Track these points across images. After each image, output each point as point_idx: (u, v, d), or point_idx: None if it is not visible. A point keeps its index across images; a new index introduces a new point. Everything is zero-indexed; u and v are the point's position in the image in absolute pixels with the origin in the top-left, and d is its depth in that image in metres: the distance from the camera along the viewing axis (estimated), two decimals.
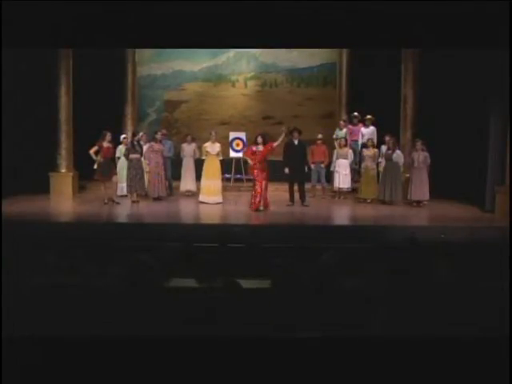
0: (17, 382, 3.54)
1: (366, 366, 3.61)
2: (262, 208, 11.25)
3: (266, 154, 11.26)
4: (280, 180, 12.47)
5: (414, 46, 11.97)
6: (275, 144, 11.34)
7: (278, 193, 12.41)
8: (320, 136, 13.10)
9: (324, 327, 3.78)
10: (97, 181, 12.21)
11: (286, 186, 12.31)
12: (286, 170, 11.99)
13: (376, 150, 12.64)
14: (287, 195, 12.12)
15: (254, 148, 11.35)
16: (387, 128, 12.72)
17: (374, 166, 12.52)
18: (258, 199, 11.21)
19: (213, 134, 12.51)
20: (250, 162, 11.52)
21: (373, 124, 13.52)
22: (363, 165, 12.65)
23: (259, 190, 11.21)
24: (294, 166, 11.92)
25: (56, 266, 5.08)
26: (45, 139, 12.86)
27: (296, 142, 12.06)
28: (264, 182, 11.26)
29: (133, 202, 12.09)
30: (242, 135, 14.45)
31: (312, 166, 12.85)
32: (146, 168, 12.40)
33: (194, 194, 12.87)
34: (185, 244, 6.60)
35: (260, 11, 6.81)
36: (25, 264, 4.96)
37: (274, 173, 11.70)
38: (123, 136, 12.82)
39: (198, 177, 12.56)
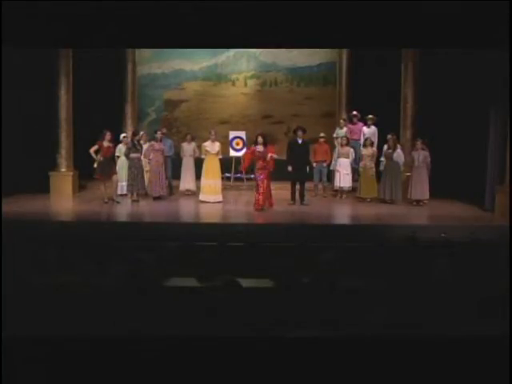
0: (17, 381, 3.55)
1: (365, 365, 3.61)
2: (265, 208, 11.26)
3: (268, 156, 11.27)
4: (281, 179, 12.46)
5: (414, 46, 11.97)
6: (273, 156, 11.33)
7: (278, 192, 12.40)
8: (322, 135, 13.09)
9: (324, 327, 3.78)
10: (97, 180, 12.22)
11: (286, 185, 12.31)
12: (289, 168, 11.97)
13: (375, 149, 12.66)
14: (288, 194, 12.12)
15: (255, 148, 11.34)
16: (387, 128, 12.72)
17: (373, 165, 12.52)
18: (261, 199, 11.21)
19: (212, 133, 12.51)
20: (253, 163, 11.53)
21: (374, 124, 13.51)
22: (361, 164, 12.64)
23: (262, 189, 11.21)
24: (298, 165, 11.91)
25: (56, 265, 5.08)
26: (45, 139, 12.86)
27: (300, 140, 12.05)
28: (266, 182, 11.26)
29: (133, 201, 12.10)
30: (242, 134, 14.46)
31: (314, 165, 12.84)
32: (146, 167, 12.41)
33: (193, 194, 12.87)
34: (186, 243, 6.59)
35: (260, 11, 6.82)
36: (25, 264, 4.96)
37: (275, 172, 11.68)
38: (123, 135, 12.82)
39: (198, 176, 12.56)
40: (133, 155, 12.02)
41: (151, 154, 12.26)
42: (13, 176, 11.72)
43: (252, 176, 12.92)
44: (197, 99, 15.72)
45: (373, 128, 13.49)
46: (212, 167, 12.23)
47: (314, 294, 4.28)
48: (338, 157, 12.90)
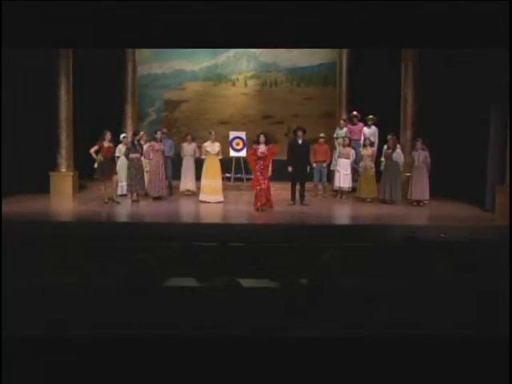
0: (17, 381, 3.54)
1: (365, 365, 3.61)
2: (265, 208, 11.26)
3: (269, 156, 11.25)
4: (281, 179, 12.46)
5: (414, 46, 11.97)
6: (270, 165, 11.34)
7: (278, 192, 12.41)
8: (322, 135, 13.11)
9: (324, 327, 3.78)
10: (97, 180, 12.23)
11: (286, 185, 12.31)
12: (290, 169, 11.97)
13: (374, 149, 12.69)
14: (288, 194, 12.12)
15: (257, 149, 11.29)
16: (387, 128, 12.73)
17: (373, 165, 12.54)
18: (261, 199, 11.21)
19: (212, 133, 12.53)
20: (250, 164, 11.54)
21: (375, 124, 13.51)
22: (361, 164, 12.66)
23: (262, 189, 11.20)
24: (298, 166, 11.91)
25: (56, 265, 5.07)
26: (45, 139, 12.86)
27: (300, 141, 12.04)
28: (266, 182, 11.26)
29: (133, 201, 12.11)
30: (242, 134, 14.47)
31: (314, 166, 12.85)
32: (146, 167, 12.42)
33: (193, 194, 12.88)
34: (186, 243, 6.59)
35: (260, 11, 6.82)
36: (24, 264, 4.96)
37: (275, 172, 11.68)
38: (123, 135, 12.83)
39: (199, 176, 12.57)
40: (132, 155, 12.02)
41: (151, 154, 12.27)
42: (13, 176, 11.72)
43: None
44: (197, 99, 15.74)
45: (373, 128, 13.49)
46: (212, 167, 12.24)
47: (313, 294, 4.27)
48: (339, 157, 12.93)
